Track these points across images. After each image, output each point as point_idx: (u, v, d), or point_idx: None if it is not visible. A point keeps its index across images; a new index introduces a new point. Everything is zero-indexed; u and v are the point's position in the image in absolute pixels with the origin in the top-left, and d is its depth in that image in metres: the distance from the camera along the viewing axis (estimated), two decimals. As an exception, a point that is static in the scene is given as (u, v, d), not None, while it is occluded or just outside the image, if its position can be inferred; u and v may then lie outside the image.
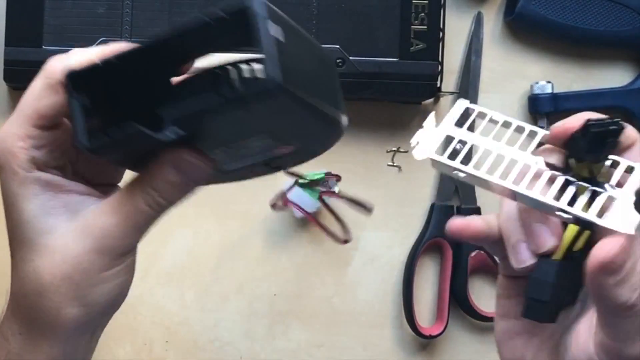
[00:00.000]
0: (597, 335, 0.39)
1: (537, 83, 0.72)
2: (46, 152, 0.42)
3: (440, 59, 0.69)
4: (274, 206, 0.69)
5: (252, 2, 0.35)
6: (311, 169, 0.69)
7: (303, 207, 0.69)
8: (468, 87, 0.73)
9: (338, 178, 0.69)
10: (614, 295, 0.37)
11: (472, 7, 0.73)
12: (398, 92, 0.69)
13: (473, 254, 0.71)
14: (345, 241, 0.66)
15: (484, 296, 0.73)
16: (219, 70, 0.39)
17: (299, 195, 0.69)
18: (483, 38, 0.73)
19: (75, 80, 0.39)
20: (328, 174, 0.69)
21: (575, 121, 0.40)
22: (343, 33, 0.68)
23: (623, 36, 0.72)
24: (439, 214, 0.72)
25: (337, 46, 0.68)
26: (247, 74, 0.38)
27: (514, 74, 0.74)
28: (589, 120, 0.39)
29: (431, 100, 0.72)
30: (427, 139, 0.41)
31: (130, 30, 0.67)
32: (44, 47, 0.67)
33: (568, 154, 0.40)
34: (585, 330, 0.40)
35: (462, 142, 0.42)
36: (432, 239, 0.71)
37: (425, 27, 0.69)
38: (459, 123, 0.43)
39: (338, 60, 0.68)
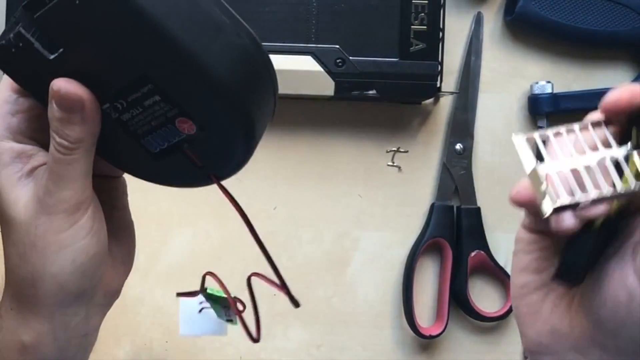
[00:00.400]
0: (638, 260, 0.38)
1: (537, 83, 0.72)
2: (22, 119, 0.42)
3: (440, 59, 0.69)
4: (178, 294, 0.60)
5: None
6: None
7: (192, 323, 0.61)
8: (468, 87, 0.73)
9: (243, 309, 0.56)
10: None
11: (472, 7, 0.73)
12: (398, 92, 0.69)
13: (473, 254, 0.71)
14: (255, 341, 0.53)
15: (484, 296, 0.73)
16: None
17: (201, 313, 0.60)
18: (483, 38, 0.73)
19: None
20: (235, 297, 0.57)
21: (633, 97, 0.39)
22: (343, 33, 0.68)
23: (623, 36, 0.72)
24: (439, 214, 0.72)
25: (337, 46, 0.68)
26: None
27: (514, 74, 0.74)
28: None
29: (431, 100, 0.72)
30: (546, 190, 0.41)
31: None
32: (44, 47, 0.67)
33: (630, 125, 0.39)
34: (617, 268, 0.39)
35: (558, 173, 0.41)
36: (432, 239, 0.71)
37: (425, 27, 0.69)
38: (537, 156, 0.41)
39: (338, 60, 0.68)
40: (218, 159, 0.42)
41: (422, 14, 0.69)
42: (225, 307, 0.58)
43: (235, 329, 0.72)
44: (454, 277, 0.71)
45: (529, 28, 0.73)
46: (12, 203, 0.41)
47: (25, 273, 0.42)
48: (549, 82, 0.72)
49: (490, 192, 0.72)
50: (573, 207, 0.39)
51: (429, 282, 0.73)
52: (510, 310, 0.71)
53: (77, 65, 0.40)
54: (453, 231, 0.72)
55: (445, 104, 0.73)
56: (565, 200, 0.39)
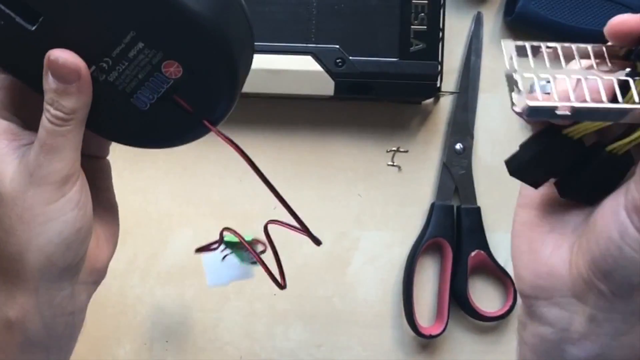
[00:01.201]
0: (629, 195, 0.37)
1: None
2: (4, 95, 0.43)
3: (440, 59, 0.69)
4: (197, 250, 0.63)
5: None
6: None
7: (218, 273, 0.63)
8: (468, 87, 0.73)
9: (264, 249, 0.59)
10: None
11: (472, 7, 0.73)
12: (398, 92, 0.69)
13: (473, 254, 0.71)
14: (282, 287, 0.56)
15: (484, 296, 0.73)
16: None
17: (224, 262, 0.62)
18: (483, 38, 0.73)
19: None
20: (254, 239, 0.61)
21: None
22: (343, 33, 0.68)
23: (623, 36, 0.72)
24: (439, 213, 0.72)
25: (337, 46, 0.68)
26: None
27: (514, 74, 0.74)
28: None
29: (431, 100, 0.72)
30: (519, 88, 0.39)
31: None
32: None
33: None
34: (611, 204, 0.38)
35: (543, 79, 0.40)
36: (432, 239, 0.71)
37: (425, 27, 0.69)
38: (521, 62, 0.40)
39: (338, 60, 0.68)
40: (207, 102, 0.43)
41: (422, 14, 0.69)
42: (247, 251, 0.60)
43: (235, 329, 0.72)
44: (454, 277, 0.71)
45: (529, 28, 0.73)
46: (1, 178, 0.42)
47: (12, 247, 0.42)
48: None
49: (491, 192, 0.72)
50: (549, 113, 0.37)
51: (429, 282, 0.73)
52: (510, 311, 0.71)
53: (60, 32, 0.40)
54: (453, 231, 0.72)
55: (445, 104, 0.73)
56: (540, 103, 0.37)
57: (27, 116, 0.44)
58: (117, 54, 0.41)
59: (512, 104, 0.38)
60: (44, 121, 0.41)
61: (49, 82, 0.41)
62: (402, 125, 0.73)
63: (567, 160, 0.41)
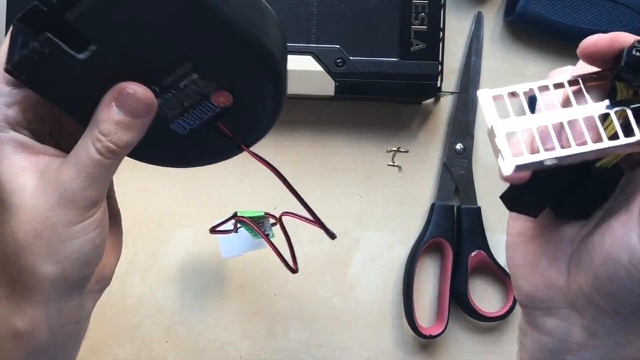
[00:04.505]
0: None
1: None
2: (18, 110, 0.42)
3: (440, 59, 0.69)
4: (212, 231, 0.66)
5: None
6: (257, 204, 0.68)
7: (232, 245, 0.66)
8: (468, 87, 0.73)
9: (275, 222, 0.63)
10: None
11: (472, 7, 0.73)
12: (398, 92, 0.69)
13: (473, 254, 0.71)
14: (294, 271, 0.60)
15: (484, 296, 0.73)
16: None
17: (237, 234, 0.65)
18: (483, 38, 0.73)
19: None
20: (266, 213, 0.64)
21: (612, 40, 0.37)
22: (343, 33, 0.68)
23: (623, 36, 0.72)
24: (439, 214, 0.72)
25: (337, 46, 0.68)
26: None
27: (514, 74, 0.74)
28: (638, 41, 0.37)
29: (431, 100, 0.72)
30: (504, 149, 0.40)
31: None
32: (44, 47, 0.67)
33: (614, 76, 0.38)
34: (621, 226, 0.38)
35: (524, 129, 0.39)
36: (432, 239, 0.71)
37: (425, 27, 0.69)
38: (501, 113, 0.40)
39: (338, 60, 0.68)
40: (248, 127, 0.43)
41: (423, 14, 0.69)
42: (259, 223, 0.63)
43: (235, 329, 0.72)
44: (454, 277, 0.71)
45: (529, 28, 0.73)
46: (17, 191, 0.41)
47: (25, 260, 0.42)
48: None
49: (491, 192, 0.72)
50: (537, 165, 0.38)
51: (429, 282, 0.73)
52: (510, 311, 0.71)
53: (112, 60, 0.39)
54: (453, 231, 0.72)
55: (446, 104, 0.73)
56: (526, 159, 0.38)
57: (39, 129, 0.43)
58: (167, 83, 0.40)
59: (500, 171, 0.40)
60: (91, 150, 0.40)
61: (112, 114, 0.40)
62: (403, 126, 0.73)
63: (562, 185, 0.41)
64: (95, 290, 0.46)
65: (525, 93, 0.40)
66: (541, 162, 0.38)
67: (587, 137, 0.38)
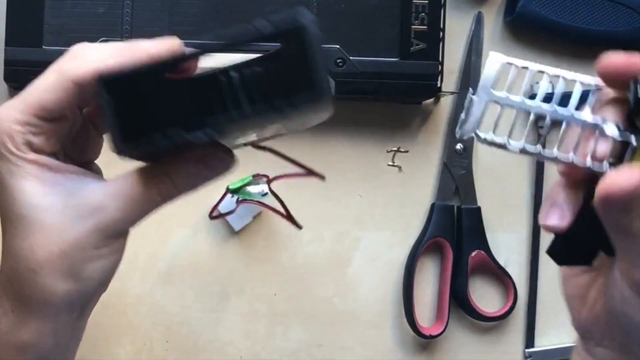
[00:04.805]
0: (625, 272, 0.38)
1: (537, 83, 0.72)
2: (43, 139, 0.42)
3: (440, 59, 0.69)
4: (211, 217, 0.69)
5: (305, 19, 0.38)
6: (236, 175, 0.68)
7: (239, 217, 0.70)
8: (468, 87, 0.73)
9: (267, 179, 0.65)
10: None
11: (472, 7, 0.73)
12: (398, 92, 0.69)
13: (473, 254, 0.71)
14: (300, 227, 0.62)
15: (484, 296, 0.73)
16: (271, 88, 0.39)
17: (232, 206, 0.68)
18: (483, 38, 0.73)
19: (107, 83, 0.39)
20: (255, 175, 0.67)
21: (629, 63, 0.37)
22: (343, 33, 0.68)
23: (623, 36, 0.72)
24: (439, 214, 0.72)
25: (337, 46, 0.68)
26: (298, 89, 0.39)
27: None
28: None
29: (431, 100, 0.72)
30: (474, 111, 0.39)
31: (130, 30, 0.67)
32: (44, 47, 0.67)
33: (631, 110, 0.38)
34: (629, 263, 0.39)
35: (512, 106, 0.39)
36: (432, 239, 0.71)
37: (425, 27, 0.69)
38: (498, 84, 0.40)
39: (338, 60, 0.68)
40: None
41: (423, 14, 0.69)
42: (253, 184, 0.68)
43: (235, 329, 0.72)
44: (454, 277, 0.71)
45: (529, 28, 0.73)
46: (43, 209, 0.41)
47: (44, 279, 0.41)
48: (549, 82, 0.72)
49: (491, 192, 0.72)
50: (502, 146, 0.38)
51: (429, 282, 0.73)
52: (510, 311, 0.71)
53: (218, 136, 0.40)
54: (453, 231, 0.72)
55: (446, 104, 0.73)
56: (488, 136, 0.38)
57: (60, 153, 0.44)
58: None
59: (461, 127, 0.39)
60: (152, 190, 0.41)
61: (192, 168, 0.41)
62: (403, 126, 0.73)
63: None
64: (96, 300, 0.47)
65: (533, 75, 0.39)
66: (502, 145, 0.39)
67: (574, 146, 0.38)
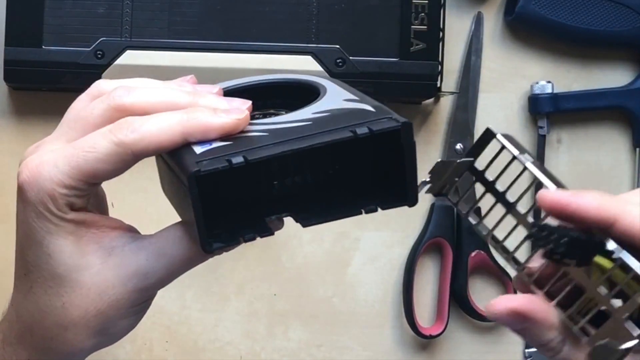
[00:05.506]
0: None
1: (537, 83, 0.72)
2: (84, 200, 0.41)
3: (440, 59, 0.69)
4: None
5: (405, 124, 0.41)
6: None
7: None
8: (468, 87, 0.73)
9: None
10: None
11: (472, 7, 0.73)
12: (398, 92, 0.69)
13: (473, 254, 0.71)
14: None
15: (484, 296, 0.73)
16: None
17: None
18: (483, 38, 0.73)
19: (198, 179, 0.37)
20: None
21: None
22: (343, 33, 0.68)
23: (623, 36, 0.72)
24: (439, 214, 0.72)
25: (337, 46, 0.68)
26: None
27: (514, 74, 0.74)
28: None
29: (431, 100, 0.72)
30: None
31: (130, 31, 0.67)
32: (44, 47, 0.67)
33: None
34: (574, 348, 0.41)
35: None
36: (432, 239, 0.71)
37: (425, 27, 0.69)
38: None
39: (338, 60, 0.68)
40: None
41: (422, 14, 0.69)
42: None
43: (235, 329, 0.72)
44: (454, 277, 0.71)
45: (529, 28, 0.73)
46: (82, 268, 0.41)
47: (75, 336, 0.42)
48: (549, 82, 0.72)
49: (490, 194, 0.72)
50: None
51: (429, 282, 0.73)
52: (510, 310, 0.71)
53: None
54: (453, 231, 0.72)
55: (445, 104, 0.73)
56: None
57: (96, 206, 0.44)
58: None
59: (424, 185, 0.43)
60: (197, 254, 0.42)
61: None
62: (402, 125, 0.73)
63: None
64: None
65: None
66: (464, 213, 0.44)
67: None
